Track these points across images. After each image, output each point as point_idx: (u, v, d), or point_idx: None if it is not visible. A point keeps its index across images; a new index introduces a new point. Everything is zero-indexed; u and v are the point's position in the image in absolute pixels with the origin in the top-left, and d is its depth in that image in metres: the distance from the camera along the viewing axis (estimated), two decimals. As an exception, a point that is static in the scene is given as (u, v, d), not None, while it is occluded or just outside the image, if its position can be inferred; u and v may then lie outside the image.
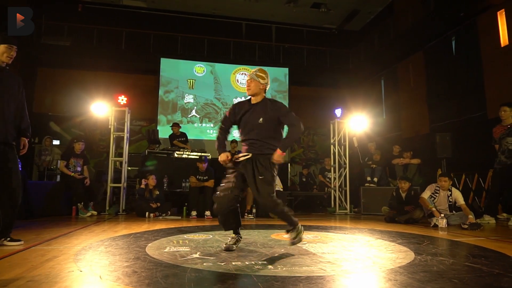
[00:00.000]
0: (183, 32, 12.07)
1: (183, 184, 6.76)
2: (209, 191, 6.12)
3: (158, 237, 3.52)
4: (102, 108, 7.01)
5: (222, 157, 2.80)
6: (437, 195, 5.19)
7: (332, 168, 8.06)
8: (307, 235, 3.63)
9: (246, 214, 6.08)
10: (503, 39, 7.59)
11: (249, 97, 2.96)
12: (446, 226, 4.46)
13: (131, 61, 11.50)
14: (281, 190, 6.81)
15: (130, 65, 11.58)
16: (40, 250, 2.72)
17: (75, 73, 11.31)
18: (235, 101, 11.56)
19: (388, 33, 11.43)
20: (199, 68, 11.58)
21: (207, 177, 6.27)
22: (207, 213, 5.99)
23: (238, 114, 2.93)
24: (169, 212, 6.11)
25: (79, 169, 6.32)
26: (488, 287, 1.84)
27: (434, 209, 4.97)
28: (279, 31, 13.48)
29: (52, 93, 11.14)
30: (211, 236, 3.62)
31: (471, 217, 4.73)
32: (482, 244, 3.27)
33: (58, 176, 7.61)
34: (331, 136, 8.15)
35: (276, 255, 2.66)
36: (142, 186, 6.15)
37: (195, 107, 11.37)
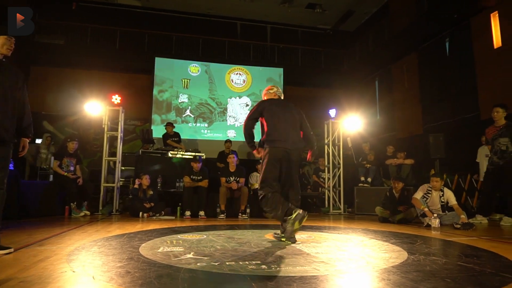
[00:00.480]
0: (177, 32, 12.03)
1: (177, 184, 6.74)
2: (203, 191, 6.11)
3: (151, 237, 3.50)
4: (96, 107, 6.96)
5: None
6: (429, 195, 5.22)
7: (326, 168, 8.09)
8: (301, 235, 3.63)
9: (240, 214, 6.08)
10: (496, 41, 7.66)
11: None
12: (439, 226, 4.49)
13: (125, 60, 11.43)
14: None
15: (124, 64, 11.51)
16: (32, 251, 2.70)
17: (68, 71, 11.20)
18: (230, 101, 11.56)
19: (383, 34, 11.49)
20: (194, 68, 11.53)
21: (201, 177, 6.26)
22: (201, 213, 5.97)
23: None
24: (163, 212, 6.08)
25: (72, 168, 6.28)
26: (480, 286, 1.85)
27: (426, 209, 5.00)
28: (274, 31, 13.47)
29: (45, 91, 11.02)
30: (205, 236, 3.61)
31: (463, 217, 4.77)
32: (474, 243, 3.29)
33: (51, 176, 7.54)
34: (325, 136, 8.17)
35: (270, 255, 2.66)
36: (136, 186, 6.11)
37: (190, 107, 11.32)
